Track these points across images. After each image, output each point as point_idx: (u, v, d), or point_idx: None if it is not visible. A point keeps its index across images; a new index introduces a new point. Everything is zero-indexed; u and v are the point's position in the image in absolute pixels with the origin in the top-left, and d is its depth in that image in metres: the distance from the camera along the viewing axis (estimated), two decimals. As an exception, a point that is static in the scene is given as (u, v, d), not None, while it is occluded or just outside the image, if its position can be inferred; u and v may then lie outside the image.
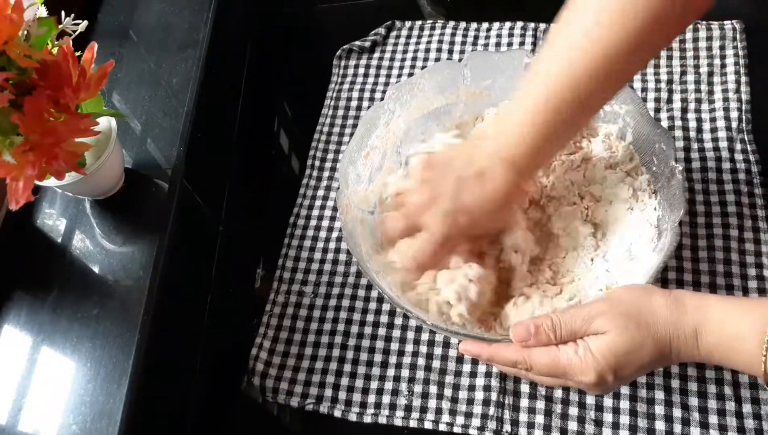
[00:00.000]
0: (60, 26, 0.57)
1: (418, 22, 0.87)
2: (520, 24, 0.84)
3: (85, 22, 0.58)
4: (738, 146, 0.70)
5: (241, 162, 0.82)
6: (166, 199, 0.68)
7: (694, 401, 0.58)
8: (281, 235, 0.73)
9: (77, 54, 0.55)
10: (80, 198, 0.68)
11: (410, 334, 0.65)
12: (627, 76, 0.56)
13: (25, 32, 0.53)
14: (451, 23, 0.86)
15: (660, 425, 0.58)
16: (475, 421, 0.60)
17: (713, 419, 0.57)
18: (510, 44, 0.82)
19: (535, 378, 0.52)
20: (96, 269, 0.64)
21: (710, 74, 0.76)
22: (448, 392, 0.62)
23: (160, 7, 0.83)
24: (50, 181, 0.60)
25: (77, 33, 0.57)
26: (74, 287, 0.63)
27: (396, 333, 0.66)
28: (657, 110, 0.75)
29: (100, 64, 0.58)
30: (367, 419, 0.62)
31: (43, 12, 0.55)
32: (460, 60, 0.70)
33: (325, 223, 0.74)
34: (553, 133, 0.54)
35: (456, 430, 0.60)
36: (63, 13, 0.58)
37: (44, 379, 0.59)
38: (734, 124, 0.72)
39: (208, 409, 0.66)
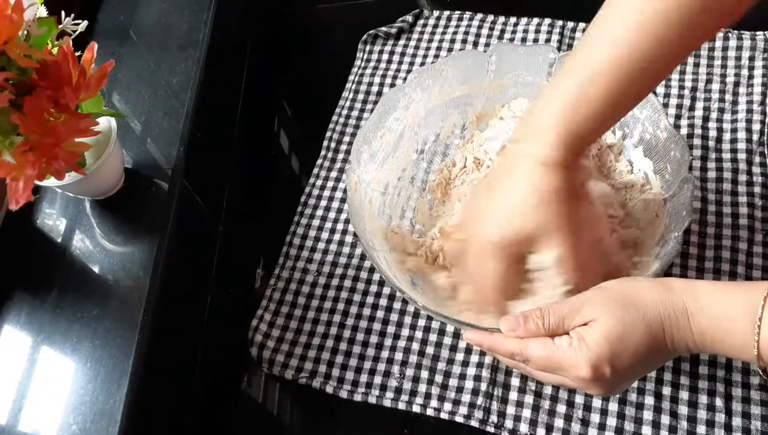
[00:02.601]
0: (60, 26, 0.57)
1: (446, 12, 0.87)
2: (548, 21, 0.83)
3: (85, 22, 0.58)
4: (757, 159, 0.69)
5: (241, 162, 0.82)
6: (166, 199, 0.68)
7: (683, 410, 0.58)
8: (281, 235, 0.73)
9: (77, 54, 0.55)
10: (80, 198, 0.68)
11: (407, 319, 0.66)
12: (673, 63, 0.52)
13: (25, 32, 0.53)
14: (479, 15, 0.86)
15: (647, 430, 0.57)
16: (463, 409, 0.60)
17: (701, 429, 0.57)
18: (536, 40, 0.82)
19: (534, 373, 0.52)
20: (96, 269, 0.64)
21: (736, 84, 0.74)
22: (438, 378, 0.62)
23: (160, 7, 0.83)
24: (50, 181, 0.60)
25: (77, 33, 0.57)
26: (74, 287, 0.63)
27: (394, 317, 0.66)
28: (678, 117, 0.74)
29: (100, 64, 0.58)
30: (358, 398, 0.62)
31: (43, 12, 0.55)
32: (485, 51, 0.70)
33: (335, 204, 0.74)
34: (585, 118, 0.50)
35: (443, 416, 0.60)
36: (63, 13, 0.58)
37: (44, 379, 0.59)
38: (755, 137, 0.71)
39: (208, 409, 0.66)
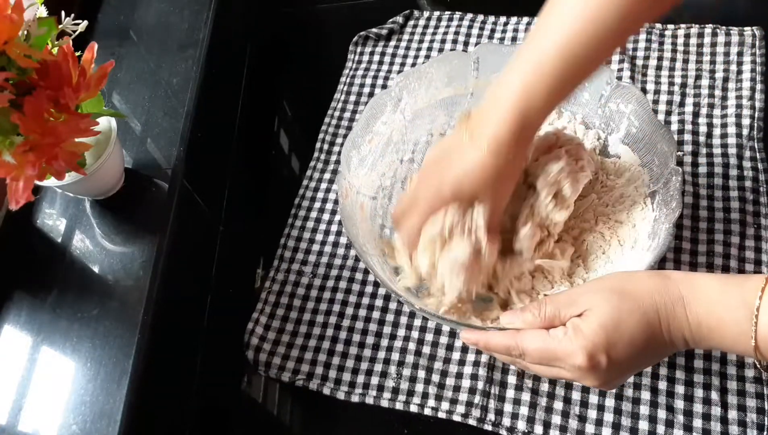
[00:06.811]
0: (60, 26, 0.57)
1: (437, 13, 0.87)
2: (536, 19, 0.83)
3: (85, 22, 0.58)
4: (747, 153, 0.70)
5: (241, 162, 0.82)
6: (166, 199, 0.68)
7: (680, 404, 0.58)
8: (281, 235, 0.73)
9: (77, 54, 0.55)
10: (80, 198, 0.68)
11: (403, 319, 0.66)
12: (618, 42, 0.55)
13: (25, 32, 0.53)
14: (469, 15, 0.86)
15: (643, 425, 0.58)
16: (460, 408, 0.60)
17: (697, 423, 0.57)
18: None
19: (530, 367, 0.52)
20: (96, 269, 0.64)
21: (725, 80, 0.75)
22: (435, 378, 0.62)
23: (160, 7, 0.83)
24: (50, 181, 0.60)
25: (77, 33, 0.58)
26: (74, 287, 0.63)
27: (389, 317, 0.66)
28: (668, 113, 0.74)
29: (100, 64, 0.58)
30: (355, 399, 0.62)
31: (43, 12, 0.55)
32: (465, 51, 0.70)
33: (329, 205, 0.74)
34: (533, 105, 0.54)
35: (440, 415, 0.61)
36: (63, 13, 0.58)
37: (44, 379, 0.59)
38: (745, 132, 0.71)
39: (208, 409, 0.66)
